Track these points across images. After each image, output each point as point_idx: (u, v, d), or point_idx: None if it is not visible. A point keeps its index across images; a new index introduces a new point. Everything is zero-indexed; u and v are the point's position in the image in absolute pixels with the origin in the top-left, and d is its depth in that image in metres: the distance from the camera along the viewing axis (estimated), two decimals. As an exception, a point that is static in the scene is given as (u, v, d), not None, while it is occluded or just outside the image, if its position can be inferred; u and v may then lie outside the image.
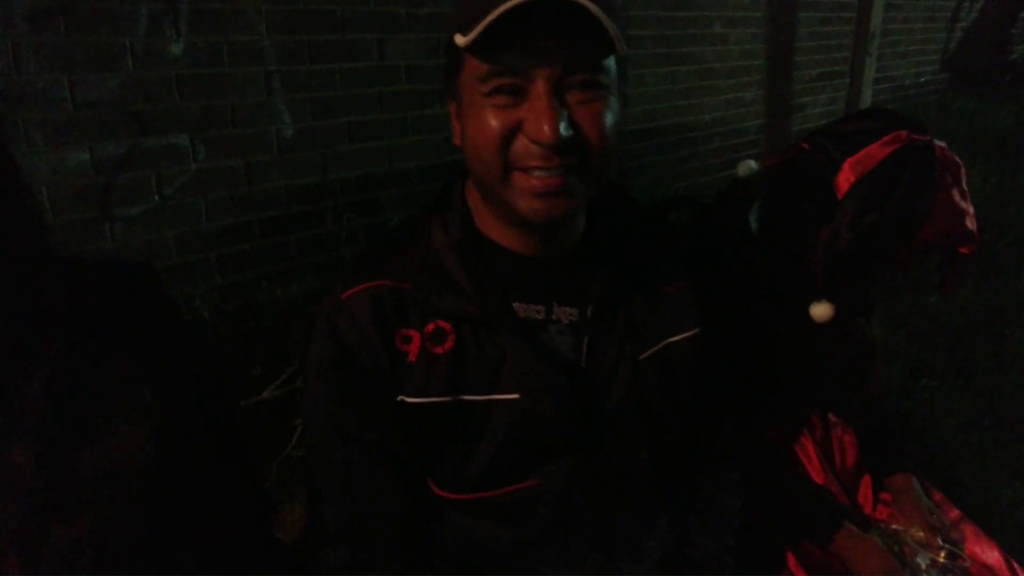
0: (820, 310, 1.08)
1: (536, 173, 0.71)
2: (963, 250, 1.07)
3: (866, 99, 5.51)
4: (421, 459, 0.82)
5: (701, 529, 0.93)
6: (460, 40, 0.69)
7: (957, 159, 1.06)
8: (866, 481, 1.24)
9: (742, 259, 1.15)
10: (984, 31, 7.18)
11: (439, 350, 0.77)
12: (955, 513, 1.25)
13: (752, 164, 1.22)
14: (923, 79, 6.58)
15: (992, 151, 4.86)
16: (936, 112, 5.90)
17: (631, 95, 3.82)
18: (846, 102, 5.56)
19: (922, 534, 1.13)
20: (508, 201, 0.74)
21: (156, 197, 2.18)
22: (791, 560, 1.10)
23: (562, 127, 0.68)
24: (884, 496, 1.23)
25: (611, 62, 0.73)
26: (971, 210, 1.05)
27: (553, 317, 0.81)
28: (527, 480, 0.80)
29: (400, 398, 0.78)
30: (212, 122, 2.28)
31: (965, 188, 1.06)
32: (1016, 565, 1.16)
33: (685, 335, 0.88)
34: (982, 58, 7.21)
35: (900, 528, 1.15)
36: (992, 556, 1.16)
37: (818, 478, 1.18)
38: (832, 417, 1.25)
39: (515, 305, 0.81)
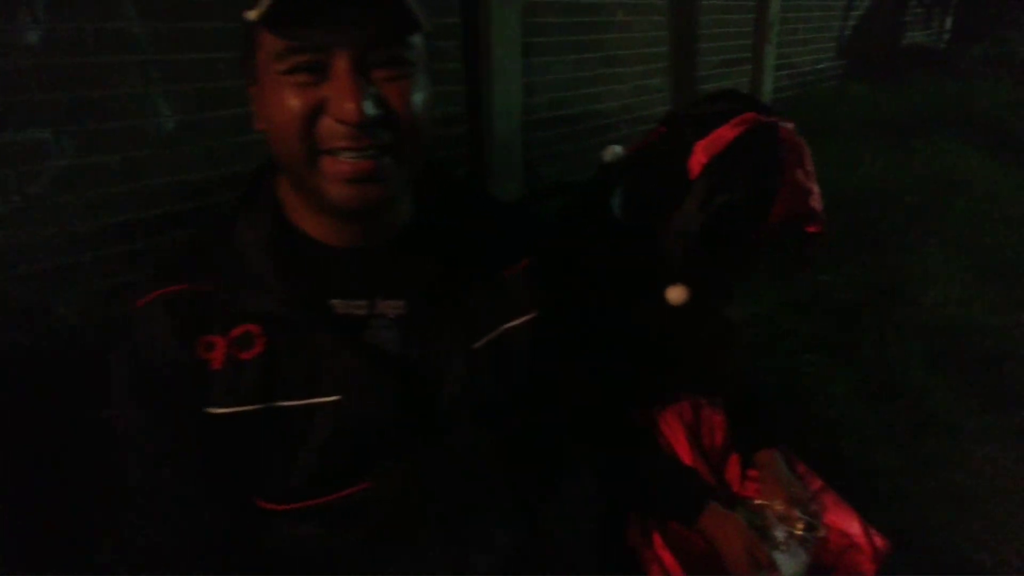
0: (675, 293, 1.09)
1: (345, 156, 0.67)
2: (811, 229, 1.09)
3: (767, 86, 5.69)
4: (240, 472, 0.77)
5: (556, 518, 0.92)
6: (251, 15, 0.65)
7: (801, 140, 1.08)
8: (734, 459, 1.27)
9: (606, 243, 1.15)
10: (878, 18, 7.51)
11: (246, 356, 0.73)
12: (817, 484, 1.29)
13: (617, 149, 1.22)
14: (821, 66, 6.83)
15: (885, 134, 5.10)
16: (833, 97, 6.15)
17: (535, 83, 3.82)
18: (748, 89, 5.72)
19: (783, 507, 1.16)
20: (318, 188, 0.70)
21: (17, 197, 2.04)
22: (657, 540, 1.11)
23: (368, 105, 0.66)
24: (752, 473, 1.26)
25: (418, 39, 0.71)
26: (816, 190, 1.08)
27: (377, 312, 0.78)
28: (359, 484, 0.77)
29: (207, 410, 0.73)
30: (80, 116, 2.15)
31: (810, 168, 1.08)
32: (873, 531, 1.21)
33: (523, 319, 0.85)
34: (876, 45, 7.55)
35: (763, 503, 1.17)
36: (851, 523, 1.21)
37: (686, 459, 1.20)
38: (702, 399, 1.27)
39: (334, 302, 0.76)
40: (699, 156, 1.05)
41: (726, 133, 1.05)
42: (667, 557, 1.08)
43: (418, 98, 0.70)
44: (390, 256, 0.79)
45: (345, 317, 0.77)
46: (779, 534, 1.10)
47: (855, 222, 3.48)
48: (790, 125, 1.09)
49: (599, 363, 1.10)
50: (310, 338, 0.74)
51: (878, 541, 1.19)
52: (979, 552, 2.03)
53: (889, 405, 2.30)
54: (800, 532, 1.11)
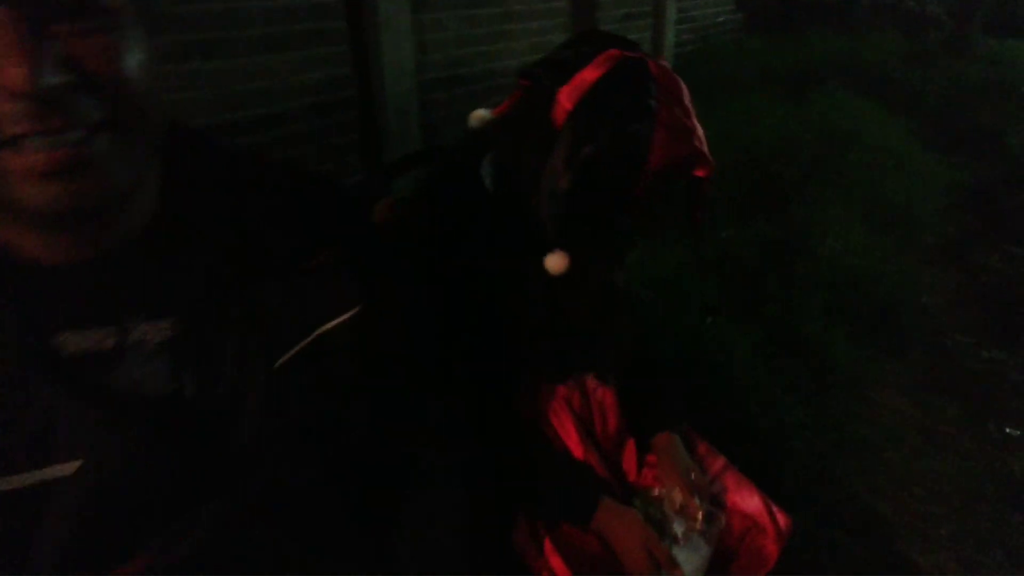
0: (553, 261, 0.97)
1: (33, 144, 0.49)
2: (699, 173, 0.98)
3: (669, 39, 5.65)
4: None
5: (413, 537, 0.80)
6: None
7: (676, 77, 0.96)
8: (630, 446, 1.18)
9: (478, 216, 1.02)
10: (773, -28, 7.58)
11: None
12: (719, 463, 1.22)
13: (484, 113, 1.07)
14: (720, 19, 6.85)
15: (782, 87, 5.15)
16: (733, 51, 6.17)
17: (429, 41, 3.62)
18: (651, 42, 5.66)
19: (682, 498, 1.08)
20: (7, 195, 0.51)
21: None
22: (547, 545, 1.01)
23: (46, 69, 0.48)
24: (650, 459, 1.18)
25: None
26: (699, 129, 0.96)
27: (132, 340, 0.60)
28: (136, 558, 0.59)
29: None
30: None
31: (689, 106, 0.96)
32: (776, 509, 1.15)
33: (341, 318, 0.69)
34: (773, -1, 7.64)
35: (661, 494, 1.09)
36: (752, 503, 1.15)
37: (577, 452, 1.10)
38: (590, 381, 1.17)
39: (63, 337, 0.57)
40: (563, 104, 0.92)
41: (588, 75, 0.92)
42: (557, 563, 0.99)
43: (130, 56, 0.52)
44: (139, 264, 0.61)
45: (83, 354, 0.58)
46: (678, 528, 1.03)
47: (758, 177, 3.48)
48: (663, 61, 0.97)
49: (475, 350, 0.97)
50: (35, 390, 0.55)
51: (781, 519, 1.13)
52: (880, 502, 2.06)
53: (791, 361, 2.30)
54: (700, 526, 1.03)
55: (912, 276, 3.17)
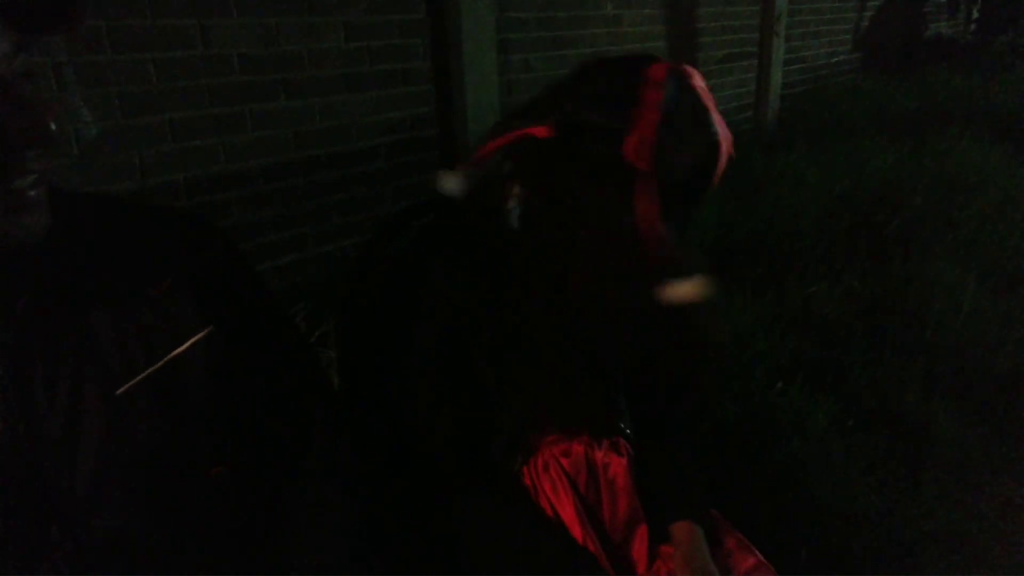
0: (691, 286, 0.88)
1: None
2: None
3: (775, 80, 5.40)
4: None
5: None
6: None
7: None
8: (642, 533, 1.03)
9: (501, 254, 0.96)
10: (898, 8, 7.16)
11: None
12: (749, 562, 1.05)
13: (457, 175, 0.99)
14: (835, 59, 6.51)
15: (898, 131, 4.78)
16: (847, 92, 5.84)
17: (515, 81, 3.61)
18: (756, 84, 5.44)
19: None
20: None
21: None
22: None
23: None
24: (665, 550, 1.03)
25: None
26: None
27: None
28: None
29: None
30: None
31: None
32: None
33: (194, 339, 0.68)
34: (896, 36, 7.20)
35: None
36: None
37: (575, 530, 0.97)
38: (599, 455, 1.03)
39: None
40: (636, 137, 0.85)
41: (652, 97, 0.86)
42: None
43: None
44: None
45: None
46: None
47: (857, 227, 3.21)
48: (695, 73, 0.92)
49: (448, 384, 0.89)
50: None
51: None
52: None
53: (878, 438, 2.04)
54: None
55: (1038, 345, 2.79)
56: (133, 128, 2.32)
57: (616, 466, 1.06)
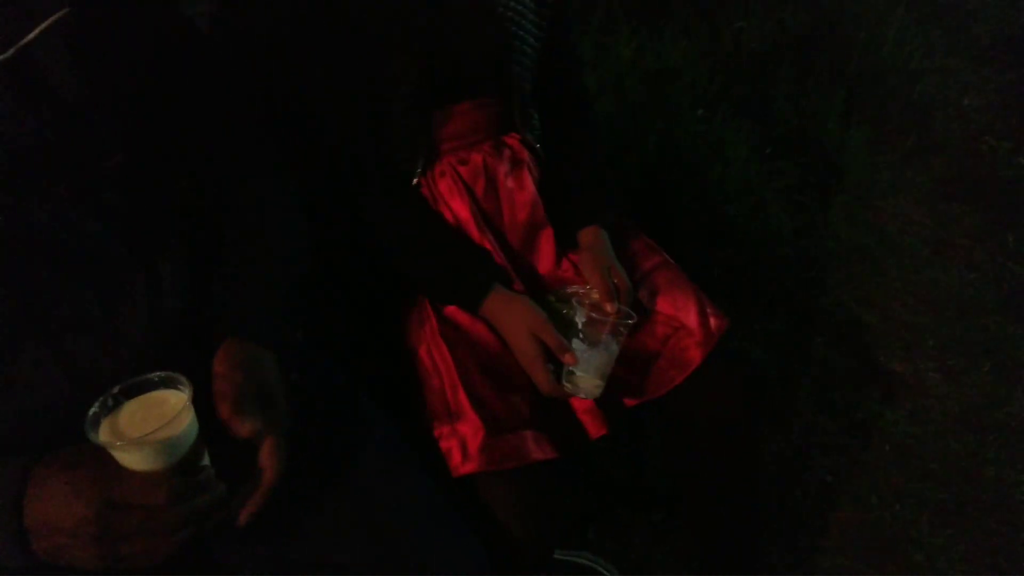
0: None
1: None
2: None
3: None
4: None
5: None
6: None
7: None
8: (547, 235, 1.06)
9: None
10: None
11: None
12: (652, 261, 1.11)
13: None
14: None
15: None
16: None
17: None
18: None
19: (596, 296, 0.99)
20: None
21: None
22: (431, 327, 0.96)
23: None
24: (572, 255, 1.07)
25: None
26: None
27: None
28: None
29: None
30: None
31: None
32: (711, 310, 1.05)
33: (50, 20, 0.63)
34: None
35: (576, 291, 1.00)
36: (683, 305, 1.05)
37: (470, 231, 1.01)
38: (498, 160, 1.03)
39: None
40: None
41: None
42: (440, 347, 0.94)
43: None
44: None
45: None
46: (579, 322, 0.94)
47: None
48: None
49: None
50: None
51: (713, 322, 1.03)
52: (867, 311, 1.97)
53: (795, 164, 2.12)
54: (610, 327, 0.94)
55: (956, 75, 2.85)
56: None
57: (517, 183, 1.05)
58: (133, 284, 0.68)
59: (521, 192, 1.04)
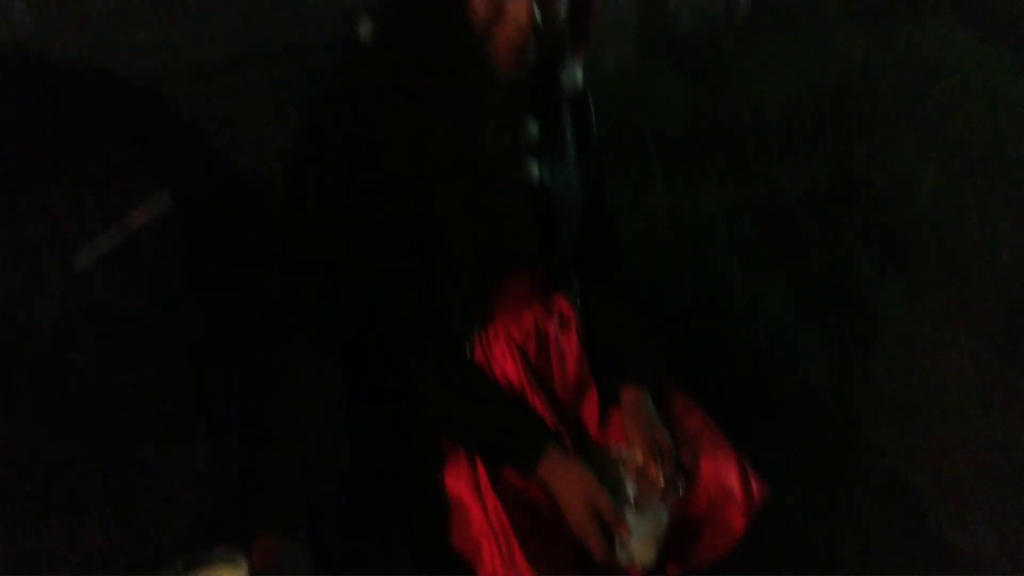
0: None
1: None
2: None
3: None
4: None
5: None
6: None
7: None
8: (591, 397, 1.07)
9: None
10: None
11: None
12: (696, 422, 1.11)
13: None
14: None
15: (871, 19, 4.68)
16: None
17: None
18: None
19: (640, 458, 0.98)
20: None
21: None
22: (485, 485, 0.96)
23: None
24: (617, 415, 1.07)
25: None
26: None
27: None
28: None
29: None
30: None
31: None
32: (752, 476, 1.04)
33: (152, 211, 0.66)
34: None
35: (619, 454, 1.00)
36: (728, 471, 1.04)
37: (526, 395, 1.01)
38: (551, 327, 1.06)
39: None
40: None
41: None
42: (494, 505, 0.92)
43: None
44: None
45: None
46: (631, 491, 0.94)
47: (823, 115, 3.19)
48: None
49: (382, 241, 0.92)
50: None
51: (755, 488, 1.02)
52: (916, 473, 1.88)
53: (832, 316, 2.11)
54: (658, 492, 0.93)
55: (992, 228, 2.86)
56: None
57: (567, 339, 1.08)
58: (193, 452, 0.69)
59: (571, 350, 1.06)
